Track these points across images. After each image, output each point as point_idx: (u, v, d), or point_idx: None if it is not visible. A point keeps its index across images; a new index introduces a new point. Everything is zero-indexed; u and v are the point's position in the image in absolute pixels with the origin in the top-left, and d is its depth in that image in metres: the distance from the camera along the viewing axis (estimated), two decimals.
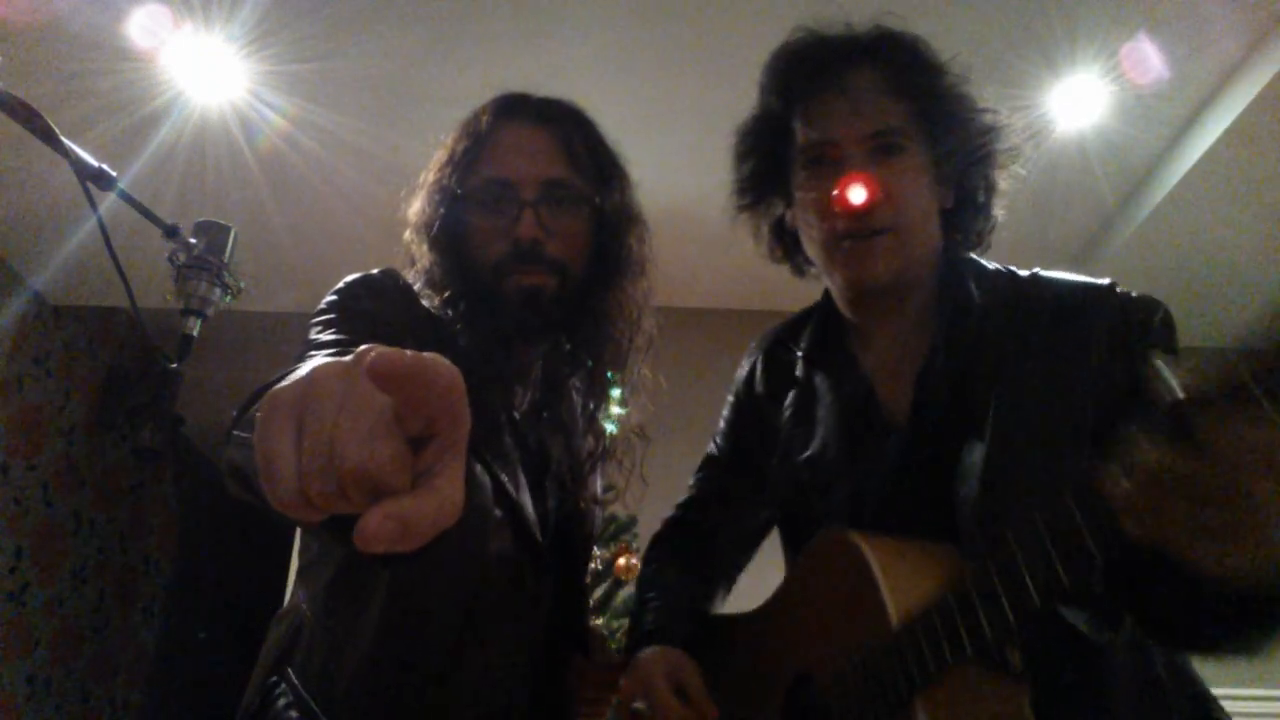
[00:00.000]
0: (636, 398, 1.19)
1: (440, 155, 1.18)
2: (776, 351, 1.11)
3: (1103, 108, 2.56)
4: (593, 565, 2.32)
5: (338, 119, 2.66)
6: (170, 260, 1.25)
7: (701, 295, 3.56)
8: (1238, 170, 2.62)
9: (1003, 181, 1.01)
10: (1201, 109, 2.58)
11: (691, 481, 1.21)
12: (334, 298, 1.03)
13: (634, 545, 2.34)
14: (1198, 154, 2.60)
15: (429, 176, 1.13)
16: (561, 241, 1.02)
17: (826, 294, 1.07)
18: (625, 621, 2.12)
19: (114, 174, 1.13)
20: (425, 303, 1.03)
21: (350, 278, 1.09)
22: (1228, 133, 2.48)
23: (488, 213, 1.04)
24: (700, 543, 1.17)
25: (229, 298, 1.29)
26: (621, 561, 2.30)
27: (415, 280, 1.08)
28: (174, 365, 1.25)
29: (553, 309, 1.01)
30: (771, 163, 1.02)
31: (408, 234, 1.13)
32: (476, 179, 1.08)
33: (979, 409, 0.86)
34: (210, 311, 1.27)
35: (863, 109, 0.93)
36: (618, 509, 2.43)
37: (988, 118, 0.99)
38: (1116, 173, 2.84)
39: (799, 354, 1.06)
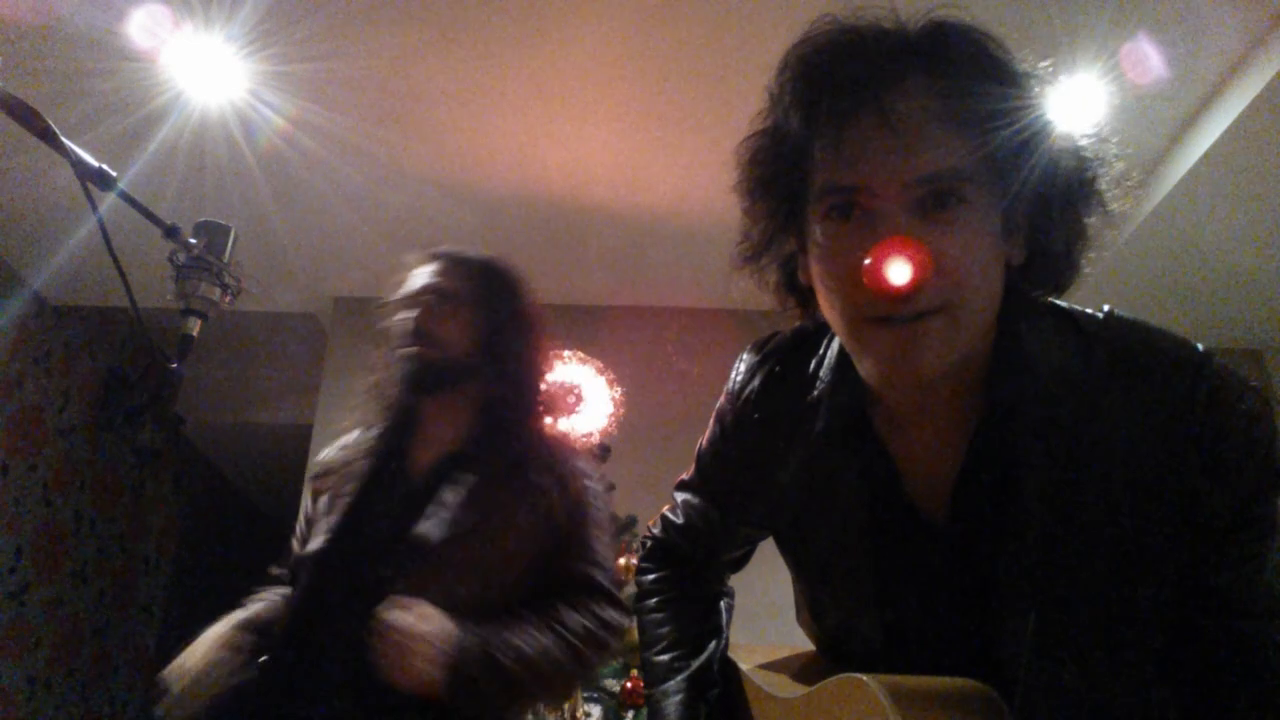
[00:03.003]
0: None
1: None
2: (777, 385, 0.90)
3: (1103, 108, 2.56)
4: None
5: (338, 119, 2.66)
6: (170, 260, 1.25)
7: (700, 296, 3.56)
8: (1238, 170, 2.63)
9: (1095, 226, 0.77)
10: (1201, 109, 2.58)
11: (680, 500, 1.06)
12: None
13: (634, 545, 2.34)
14: (1198, 154, 2.60)
15: None
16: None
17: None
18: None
19: (114, 174, 1.12)
20: None
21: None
22: (1228, 133, 2.48)
23: None
24: (698, 575, 1.06)
25: (229, 298, 1.29)
26: (622, 561, 2.29)
27: None
28: (174, 365, 1.24)
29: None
30: (785, 198, 0.78)
31: None
32: None
33: (1028, 525, 0.71)
34: (210, 311, 1.26)
35: (911, 143, 0.68)
36: (618, 509, 2.44)
37: (1082, 146, 0.75)
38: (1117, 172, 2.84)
39: (817, 413, 0.84)
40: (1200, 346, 0.72)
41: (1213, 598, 0.70)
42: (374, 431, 1.46)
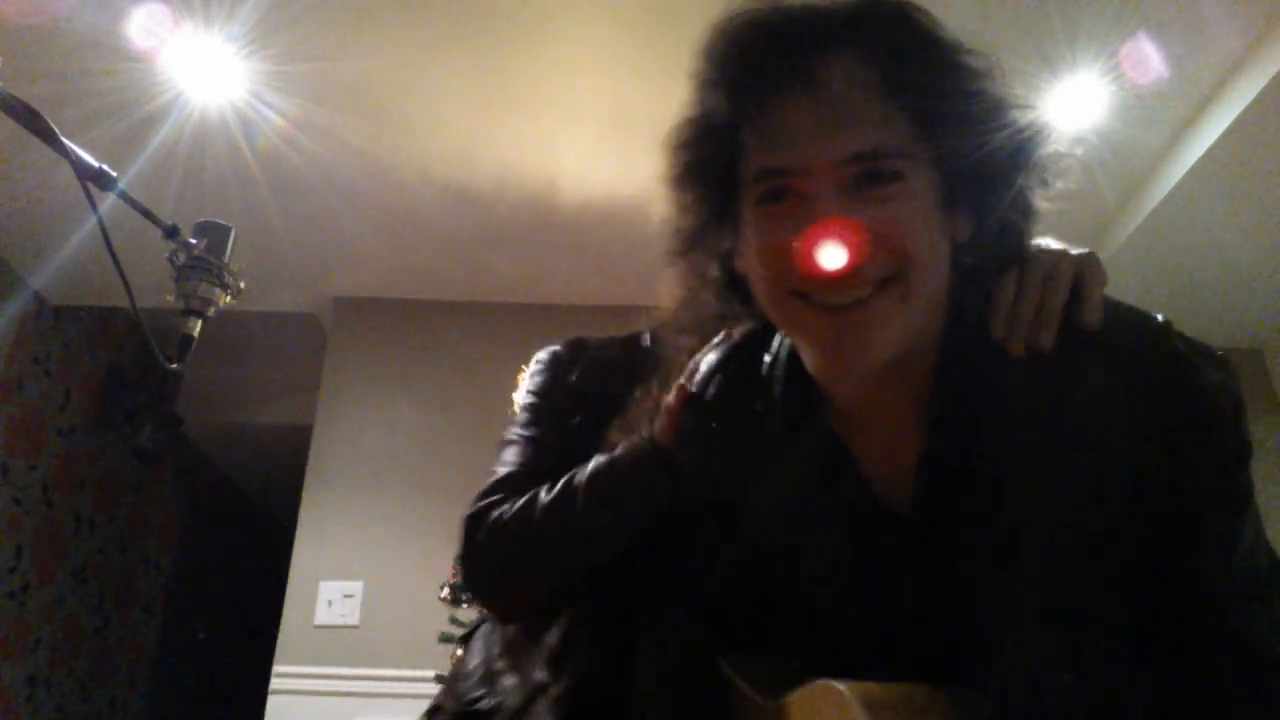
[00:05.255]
0: None
1: None
2: (730, 386, 0.86)
3: (1103, 108, 2.56)
4: None
5: (338, 119, 2.66)
6: (170, 260, 1.25)
7: None
8: (1238, 170, 2.62)
9: (1040, 201, 0.73)
10: (1201, 109, 2.58)
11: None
12: None
13: None
14: (1198, 154, 2.60)
15: None
16: None
17: None
18: None
19: (114, 174, 1.12)
20: None
21: None
22: (1228, 133, 2.48)
23: None
24: None
25: (229, 298, 1.29)
26: None
27: None
28: (174, 365, 1.25)
29: None
30: (717, 187, 0.74)
31: None
32: None
33: (994, 502, 0.68)
34: (210, 311, 1.27)
35: (842, 118, 0.65)
36: None
37: (1020, 115, 0.70)
38: (1116, 173, 2.84)
39: (771, 415, 0.80)
40: (1160, 317, 0.69)
41: (1186, 579, 0.66)
42: None
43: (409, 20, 2.34)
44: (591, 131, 2.77)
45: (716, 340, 0.91)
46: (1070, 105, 2.53)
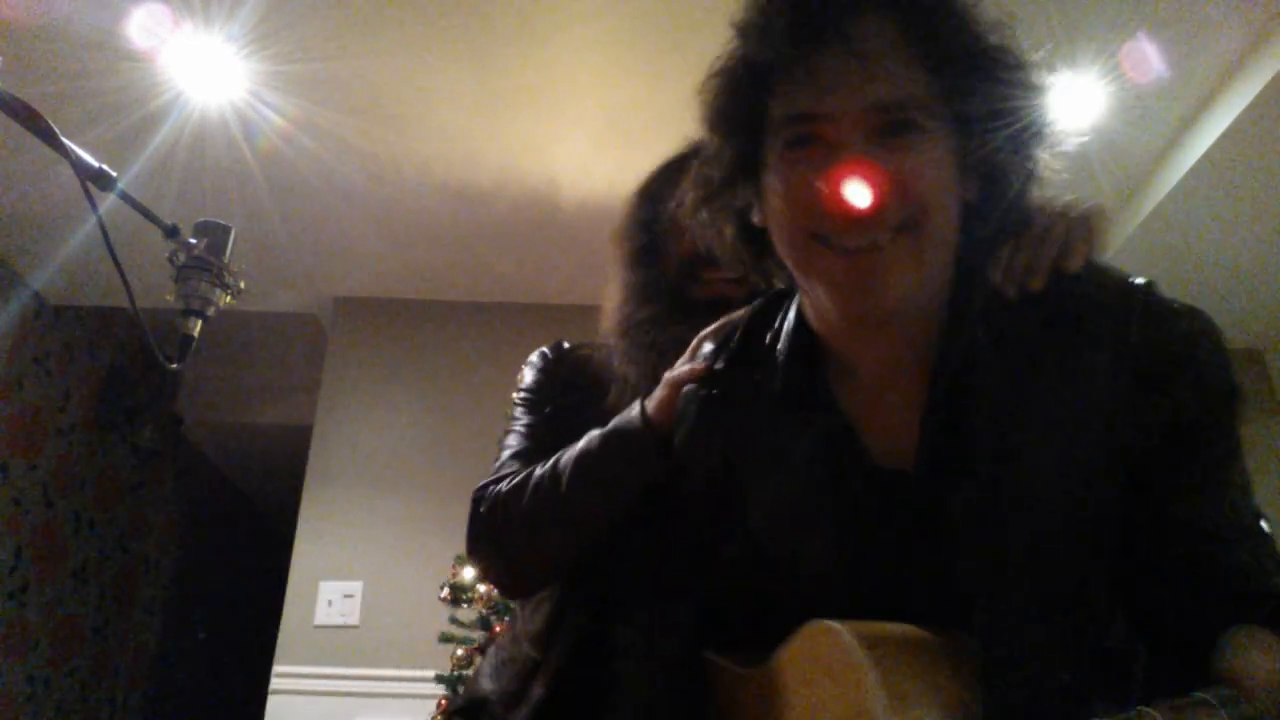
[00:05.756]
0: None
1: None
2: (733, 360, 0.88)
3: (1103, 108, 2.56)
4: None
5: (338, 119, 2.66)
6: (170, 260, 1.25)
7: None
8: (1238, 170, 2.62)
9: (1046, 166, 0.77)
10: (1201, 109, 2.58)
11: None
12: None
13: None
14: (1198, 154, 2.60)
15: None
16: None
17: (794, 303, 0.85)
18: None
19: (114, 174, 1.12)
20: None
21: None
22: (1227, 133, 2.48)
23: None
24: None
25: (229, 298, 1.29)
26: None
27: None
28: (174, 365, 1.25)
29: None
30: (744, 135, 0.77)
31: None
32: None
33: (996, 460, 0.70)
34: (210, 311, 1.26)
35: (871, 71, 0.69)
36: None
37: (1032, 81, 0.75)
38: (1116, 173, 2.84)
39: (773, 379, 0.82)
40: (1143, 279, 0.74)
41: (1177, 524, 0.69)
42: None
43: (409, 20, 2.34)
44: (591, 131, 2.77)
45: (721, 321, 0.93)
46: (1070, 105, 2.53)
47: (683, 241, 1.16)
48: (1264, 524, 0.70)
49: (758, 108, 0.74)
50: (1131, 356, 0.69)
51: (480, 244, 3.34)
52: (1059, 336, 0.71)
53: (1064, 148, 0.77)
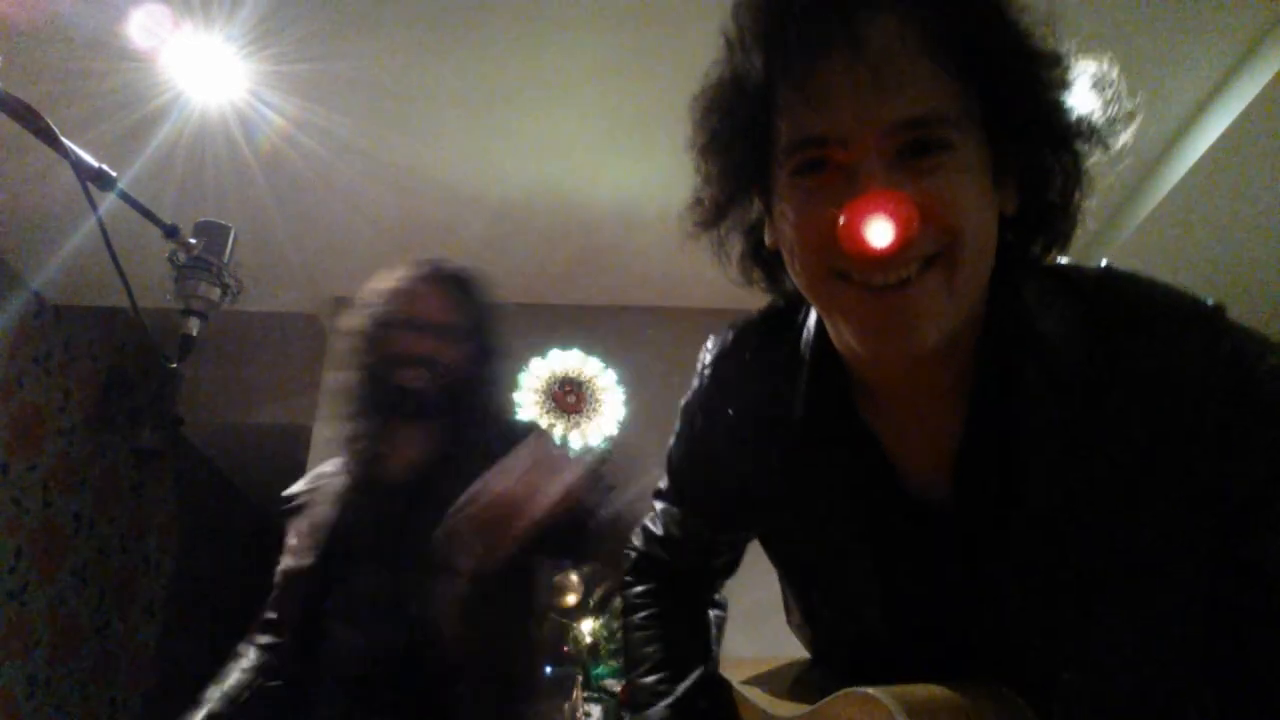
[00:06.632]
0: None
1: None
2: (750, 374, 0.82)
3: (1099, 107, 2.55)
4: (593, 565, 2.32)
5: (338, 119, 2.66)
6: (170, 260, 1.25)
7: (701, 296, 3.56)
8: (1238, 170, 2.62)
9: (1094, 170, 0.68)
10: (1201, 109, 2.58)
11: (659, 509, 1.00)
12: None
13: None
14: (1198, 154, 2.60)
15: None
16: None
17: (815, 312, 0.76)
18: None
19: (114, 174, 1.12)
20: None
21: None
22: (1228, 133, 2.48)
23: None
24: (685, 587, 1.00)
25: (229, 298, 1.29)
26: None
27: None
28: (174, 365, 1.25)
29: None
30: (747, 155, 0.67)
31: None
32: None
33: (1036, 503, 0.65)
34: (210, 311, 1.27)
35: (888, 81, 0.59)
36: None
37: (1072, 76, 0.65)
38: (1116, 173, 2.84)
39: (795, 401, 0.75)
40: (1210, 300, 0.65)
41: (1249, 572, 0.63)
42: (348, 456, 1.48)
43: (409, 20, 2.34)
44: (591, 131, 2.77)
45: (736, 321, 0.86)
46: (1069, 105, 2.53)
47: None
48: None
49: (759, 126, 0.65)
50: (1216, 393, 0.61)
51: (480, 243, 3.34)
52: (1123, 360, 0.63)
53: (1114, 140, 0.67)
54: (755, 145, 0.66)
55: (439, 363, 1.41)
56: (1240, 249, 3.01)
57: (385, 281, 1.50)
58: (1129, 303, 0.66)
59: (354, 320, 1.48)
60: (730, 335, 0.85)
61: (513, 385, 1.62)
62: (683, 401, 0.90)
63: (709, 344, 0.87)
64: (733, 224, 0.73)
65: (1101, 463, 0.63)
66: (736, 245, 0.75)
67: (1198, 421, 0.61)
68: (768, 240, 0.71)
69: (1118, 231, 3.07)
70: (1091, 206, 0.69)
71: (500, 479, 1.20)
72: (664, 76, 2.54)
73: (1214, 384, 0.61)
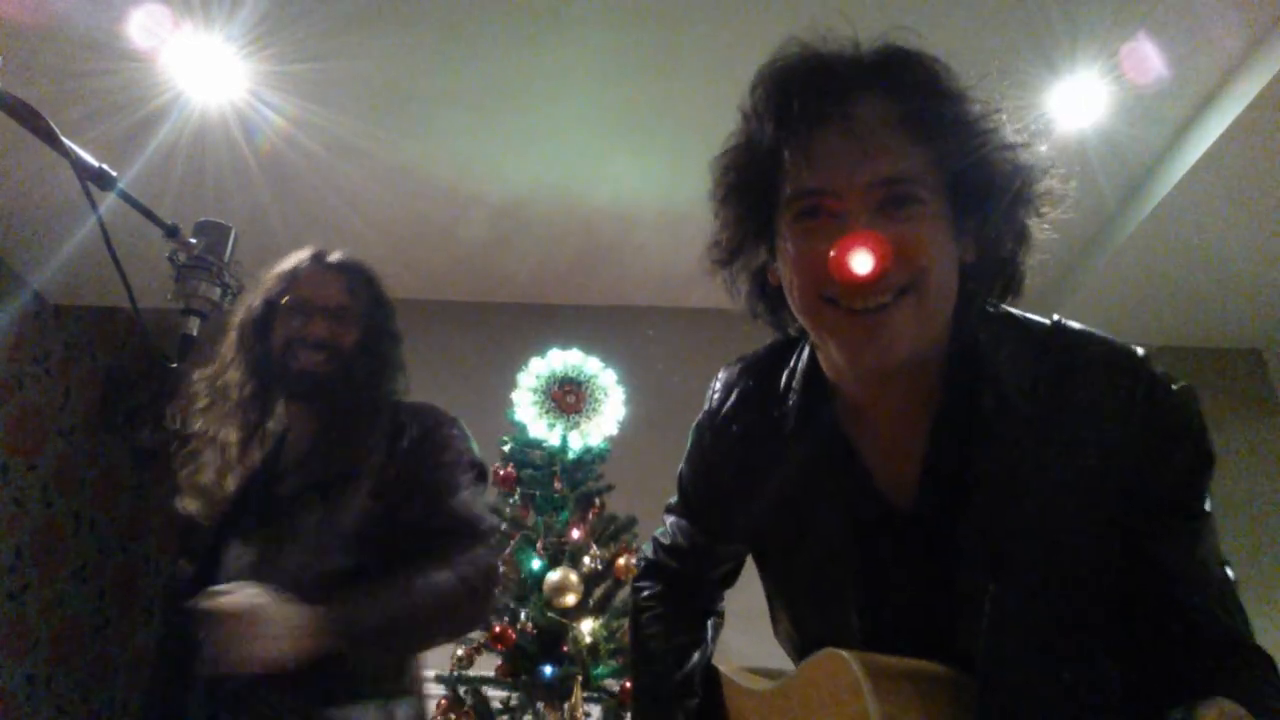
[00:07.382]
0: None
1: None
2: (753, 398, 0.96)
3: (1103, 108, 2.56)
4: (593, 565, 2.32)
5: (338, 119, 2.66)
6: (170, 260, 1.25)
7: (700, 296, 3.56)
8: (1238, 170, 2.63)
9: (1036, 229, 0.83)
10: (1201, 109, 2.58)
11: (669, 522, 1.13)
12: None
13: (634, 545, 2.34)
14: (1198, 154, 2.60)
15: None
16: None
17: (809, 345, 0.92)
18: (624, 621, 2.13)
19: (114, 174, 1.12)
20: None
21: None
22: (1228, 133, 2.48)
23: None
24: (688, 593, 1.12)
25: (229, 298, 1.29)
26: (621, 561, 2.29)
27: None
28: (174, 365, 1.25)
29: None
30: (756, 205, 0.84)
31: None
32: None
33: (991, 509, 0.78)
34: (210, 311, 1.27)
35: (871, 150, 0.76)
36: (618, 509, 2.44)
37: (1021, 156, 0.81)
38: (1117, 173, 2.84)
39: (787, 418, 0.90)
40: (1140, 350, 0.80)
41: (1156, 572, 0.77)
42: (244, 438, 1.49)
43: (409, 20, 2.34)
44: (591, 131, 2.78)
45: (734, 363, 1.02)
46: (1070, 105, 2.54)
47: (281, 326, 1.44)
48: (1229, 571, 0.79)
49: (768, 182, 0.81)
50: (1137, 426, 0.76)
51: (480, 244, 3.35)
52: (1065, 399, 0.78)
53: (1049, 211, 0.84)
54: (764, 195, 0.82)
55: (334, 345, 1.44)
56: (1240, 249, 3.02)
57: (277, 268, 1.51)
58: (1071, 348, 0.82)
59: (246, 305, 1.49)
60: (738, 365, 1.00)
61: (402, 368, 1.66)
62: (694, 423, 1.04)
63: (720, 373, 1.02)
64: (743, 265, 0.89)
65: (1041, 475, 0.77)
66: (744, 284, 0.90)
67: (1120, 443, 0.76)
68: (771, 280, 0.87)
69: (1118, 231, 3.07)
70: (1035, 263, 0.86)
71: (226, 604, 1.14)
72: (663, 77, 2.54)
73: (1134, 414, 0.77)
